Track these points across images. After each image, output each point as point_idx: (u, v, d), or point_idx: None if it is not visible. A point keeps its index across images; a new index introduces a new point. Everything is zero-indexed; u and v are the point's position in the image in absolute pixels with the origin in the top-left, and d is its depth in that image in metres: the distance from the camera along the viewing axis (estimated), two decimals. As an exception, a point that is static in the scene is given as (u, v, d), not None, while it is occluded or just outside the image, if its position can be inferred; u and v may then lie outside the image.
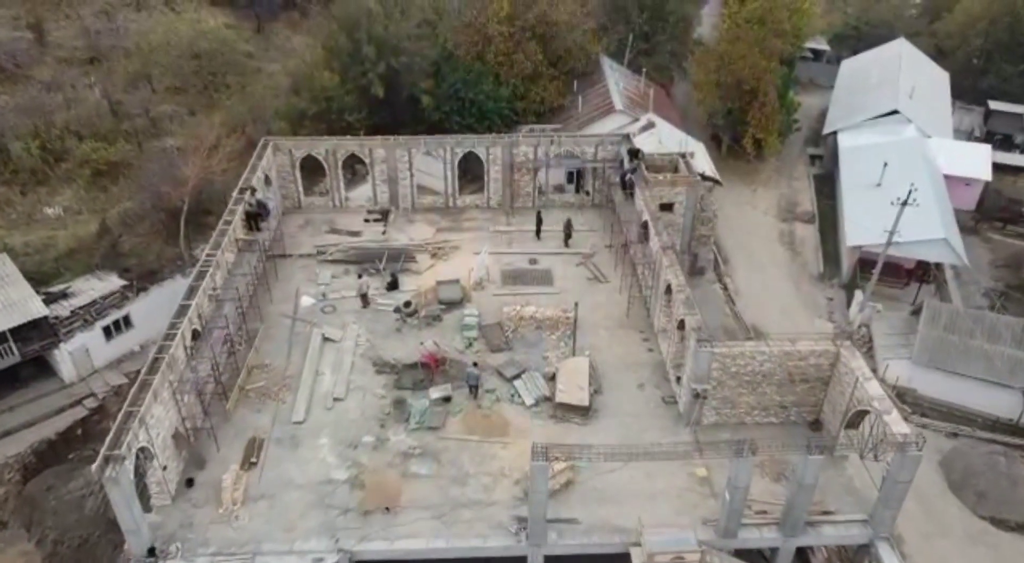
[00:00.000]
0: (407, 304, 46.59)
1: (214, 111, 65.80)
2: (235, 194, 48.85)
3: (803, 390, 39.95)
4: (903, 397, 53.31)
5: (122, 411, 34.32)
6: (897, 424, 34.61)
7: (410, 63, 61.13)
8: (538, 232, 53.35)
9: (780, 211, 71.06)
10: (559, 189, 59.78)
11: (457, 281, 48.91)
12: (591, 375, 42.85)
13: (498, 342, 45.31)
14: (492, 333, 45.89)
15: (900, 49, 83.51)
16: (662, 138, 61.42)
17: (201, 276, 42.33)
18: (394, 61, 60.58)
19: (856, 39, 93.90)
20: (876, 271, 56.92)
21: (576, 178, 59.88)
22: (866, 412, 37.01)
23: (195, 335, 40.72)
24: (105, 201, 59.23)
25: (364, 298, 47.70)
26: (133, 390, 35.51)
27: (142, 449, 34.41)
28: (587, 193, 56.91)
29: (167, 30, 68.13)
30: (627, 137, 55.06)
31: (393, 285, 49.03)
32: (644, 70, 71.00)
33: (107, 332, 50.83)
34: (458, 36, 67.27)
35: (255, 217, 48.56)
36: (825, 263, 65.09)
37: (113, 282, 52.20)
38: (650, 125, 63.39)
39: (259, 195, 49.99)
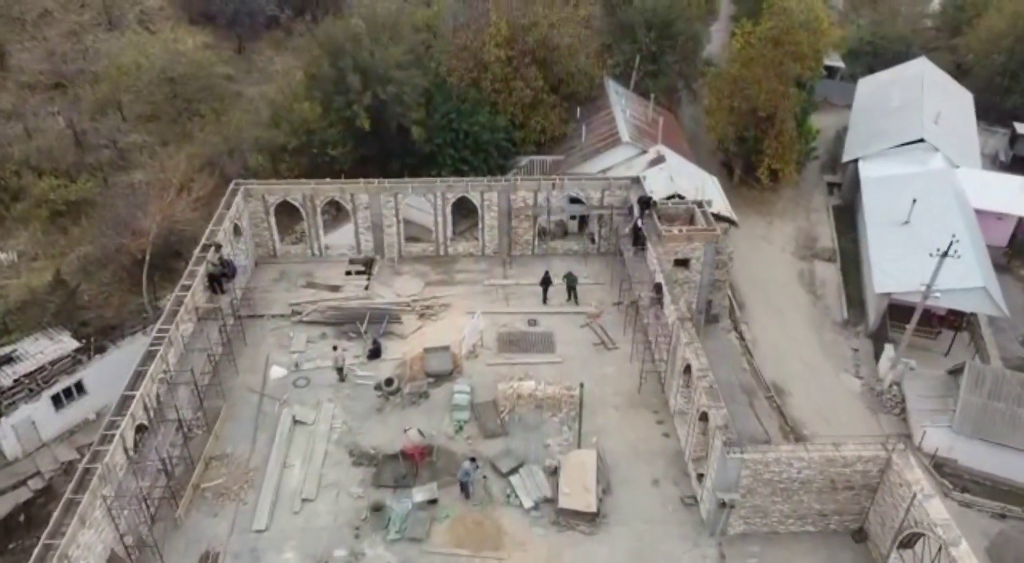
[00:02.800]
0: (389, 382, 39.91)
1: (188, 142, 59.01)
2: (197, 251, 42.15)
3: (846, 498, 33.43)
4: (941, 468, 46.82)
5: (39, 545, 27.78)
6: (968, 560, 27.99)
7: (399, 93, 54.21)
8: (545, 296, 46.45)
9: (798, 247, 64.28)
10: (561, 227, 53.05)
11: (447, 348, 42.24)
12: (599, 470, 36.22)
13: (493, 426, 38.67)
14: (486, 414, 39.24)
15: (922, 69, 76.50)
16: (673, 174, 54.71)
17: (150, 357, 35.65)
18: (381, 91, 53.70)
19: (872, 55, 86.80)
20: (910, 328, 50.22)
21: (580, 217, 53.18)
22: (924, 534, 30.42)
23: (141, 429, 34.08)
24: (65, 244, 52.76)
25: (340, 372, 41.06)
26: (56, 515, 28.93)
27: (64, 587, 27.87)
28: (592, 240, 50.08)
29: (139, 51, 61.18)
30: (637, 181, 48.22)
31: (375, 353, 42.37)
32: (653, 95, 64.15)
33: (56, 401, 44.23)
34: (452, 62, 60.43)
35: (219, 278, 41.82)
36: (849, 308, 58.37)
37: (65, 343, 45.52)
38: (660, 159, 56.65)
39: (225, 251, 43.25)
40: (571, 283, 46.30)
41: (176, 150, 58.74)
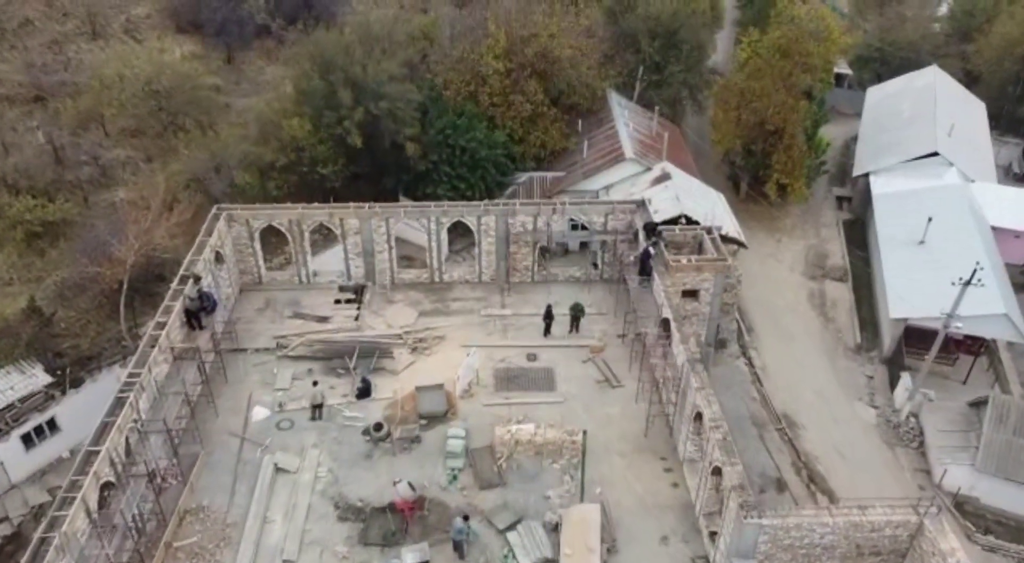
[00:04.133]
0: (378, 427, 36.77)
1: (173, 157, 55.79)
2: (173, 285, 38.98)
3: (873, 563, 30.29)
4: (963, 507, 43.83)
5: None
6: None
7: (392, 108, 51.07)
8: (547, 329, 43.19)
9: (808, 266, 61.06)
10: (562, 245, 49.74)
11: (441, 387, 39.10)
12: (604, 526, 33.12)
13: (489, 475, 35.57)
14: (482, 461, 36.16)
15: (933, 78, 73.15)
16: (679, 193, 51.56)
17: (119, 405, 32.53)
18: (373, 106, 50.57)
19: (879, 62, 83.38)
20: (929, 358, 47.19)
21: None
22: (962, 610, 27.35)
23: (108, 485, 30.99)
24: (41, 268, 49.49)
25: (318, 409, 37.97)
26: (4, 594, 25.83)
27: None
28: (595, 265, 46.83)
29: (123, 62, 57.86)
30: (642, 205, 44.96)
31: (364, 392, 39.24)
32: (657, 109, 60.99)
33: (27, 440, 41.18)
34: (448, 74, 57.23)
35: (196, 314, 38.64)
36: (862, 331, 55.23)
37: (38, 377, 42.44)
38: (665, 176, 53.52)
39: (206, 282, 40.11)
40: (576, 313, 43.13)
41: (161, 166, 55.72)
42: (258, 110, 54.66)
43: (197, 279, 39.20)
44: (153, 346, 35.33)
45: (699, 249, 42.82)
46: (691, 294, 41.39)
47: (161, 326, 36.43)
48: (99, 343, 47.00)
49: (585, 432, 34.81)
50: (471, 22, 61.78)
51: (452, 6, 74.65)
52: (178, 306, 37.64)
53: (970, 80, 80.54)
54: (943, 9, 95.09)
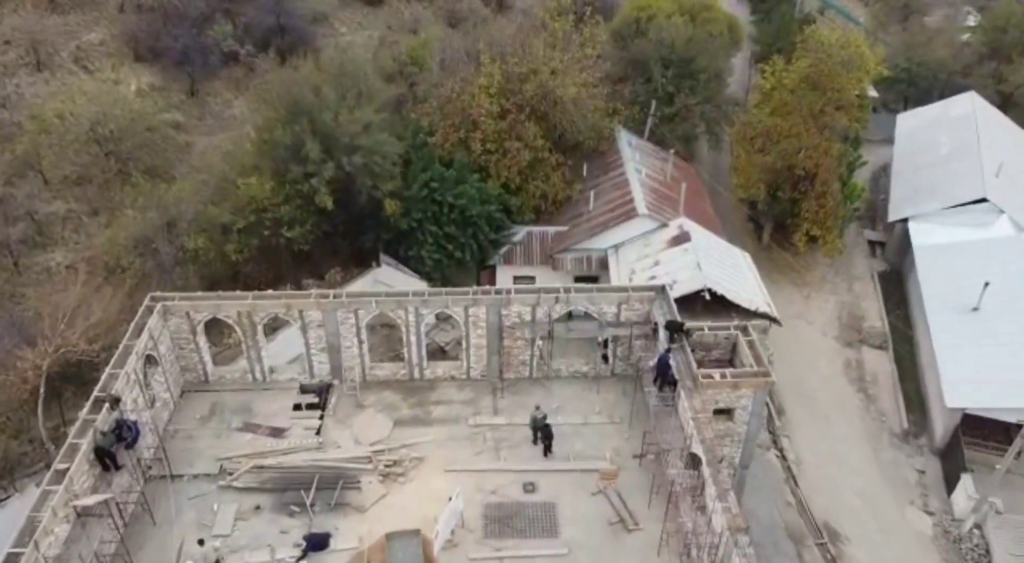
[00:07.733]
0: (334, 608, 28.03)
1: (121, 211, 46.98)
2: (83, 414, 30.09)
3: None
4: (1042, 650, 35.25)
5: None
6: None
7: (368, 162, 42.29)
8: (547, 449, 34.13)
9: (842, 328, 52.25)
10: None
11: (417, 534, 30.16)
12: None
13: None
14: (466, 647, 27.45)
15: (972, 106, 64.04)
16: (700, 258, 43.00)
17: (-12, 605, 23.86)
18: (346, 162, 41.79)
19: (906, 83, 74.10)
20: (1004, 465, 38.62)
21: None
22: None
23: None
24: (-43, 352, 40.68)
25: (219, 573, 29.33)
26: None
27: None
28: (605, 359, 37.85)
29: (66, 100, 48.93)
30: (663, 292, 35.80)
31: (320, 544, 30.43)
32: (673, 151, 52.05)
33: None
34: (435, 116, 48.27)
35: (111, 452, 29.76)
36: (908, 412, 46.62)
37: (-69, 507, 33.78)
38: (684, 237, 44.93)
39: (128, 400, 31.28)
40: (538, 425, 33.91)
41: (107, 221, 47.12)
42: (209, 163, 45.59)
43: (116, 402, 30.32)
44: (45, 507, 26.48)
45: (732, 353, 33.94)
46: (724, 413, 32.52)
47: (60, 476, 27.60)
48: (20, 445, 38.69)
49: (597, 625, 26.05)
50: (462, 52, 52.76)
51: (445, 26, 65.79)
52: (86, 444, 28.75)
53: (1004, 101, 71.50)
54: (970, 20, 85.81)
